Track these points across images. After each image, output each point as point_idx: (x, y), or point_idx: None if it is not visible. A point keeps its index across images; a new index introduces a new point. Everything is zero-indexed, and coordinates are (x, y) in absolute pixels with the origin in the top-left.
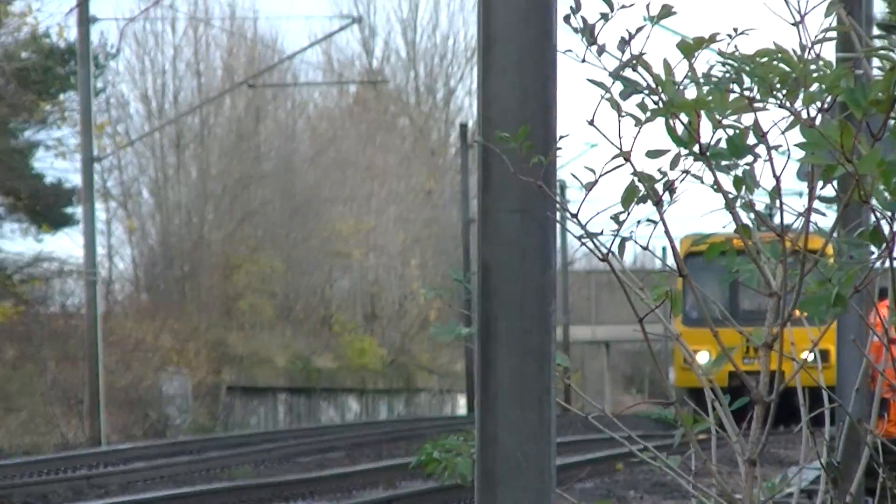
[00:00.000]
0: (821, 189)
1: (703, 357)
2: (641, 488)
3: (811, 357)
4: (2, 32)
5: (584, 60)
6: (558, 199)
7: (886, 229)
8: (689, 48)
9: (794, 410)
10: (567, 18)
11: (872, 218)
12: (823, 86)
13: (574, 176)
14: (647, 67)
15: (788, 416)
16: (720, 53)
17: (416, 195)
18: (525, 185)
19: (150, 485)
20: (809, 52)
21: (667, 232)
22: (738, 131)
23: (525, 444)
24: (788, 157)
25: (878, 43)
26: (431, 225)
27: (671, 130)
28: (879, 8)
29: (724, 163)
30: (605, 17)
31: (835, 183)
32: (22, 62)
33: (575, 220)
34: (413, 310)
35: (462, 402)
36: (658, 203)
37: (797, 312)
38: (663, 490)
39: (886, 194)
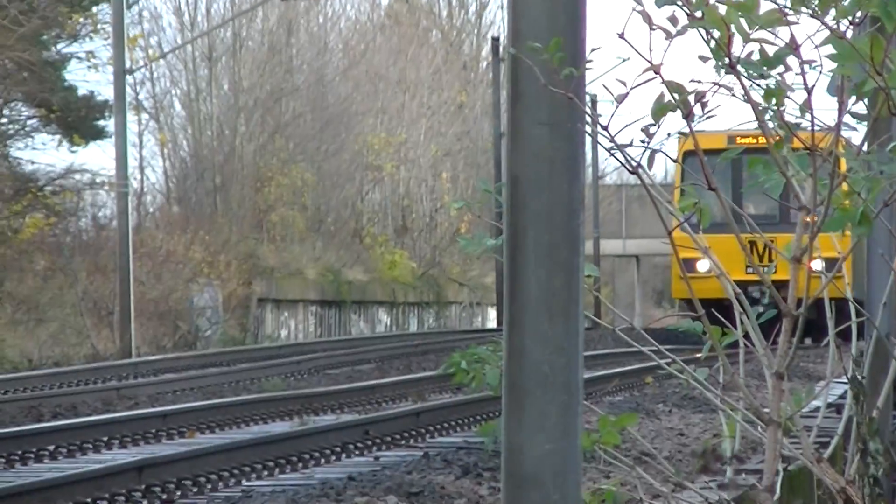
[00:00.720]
0: (852, 105)
1: (703, 265)
2: (670, 402)
3: (819, 265)
4: None
5: None
6: (588, 112)
7: None
8: None
9: (813, 322)
10: None
11: None
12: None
13: (605, 88)
14: None
15: (817, 329)
16: None
17: (448, 108)
18: (554, 98)
19: (180, 396)
20: None
21: (696, 146)
22: (778, 48)
23: (552, 355)
24: (820, 71)
25: None
26: (463, 138)
27: (710, 40)
28: None
29: (753, 75)
30: None
31: (865, 100)
32: None
33: (605, 132)
34: (444, 223)
35: (492, 315)
36: (688, 116)
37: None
38: (692, 404)
39: None
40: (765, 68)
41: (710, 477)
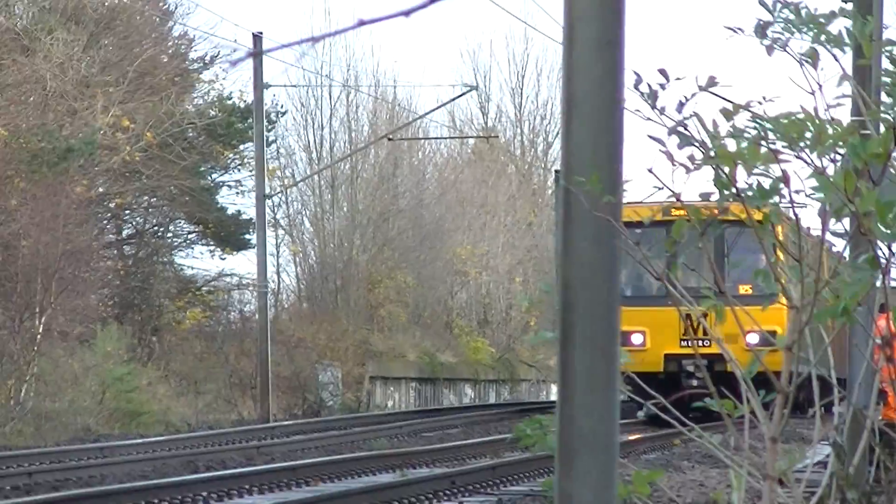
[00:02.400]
0: (834, 224)
1: (637, 339)
2: (694, 459)
3: (755, 339)
4: (195, 95)
5: (648, 119)
6: (625, 230)
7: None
8: (728, 113)
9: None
10: (636, 85)
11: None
12: (834, 141)
13: (636, 213)
14: (703, 123)
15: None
16: (753, 117)
17: (521, 226)
18: (598, 219)
19: (307, 453)
20: (825, 115)
21: (708, 258)
22: (772, 180)
23: (595, 423)
24: (807, 196)
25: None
26: (532, 250)
27: (719, 179)
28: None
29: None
30: (662, 86)
31: (847, 221)
32: (210, 119)
33: (637, 247)
34: (517, 317)
35: (555, 389)
36: (703, 234)
37: (743, 289)
38: (711, 461)
39: (882, 228)
40: (762, 200)
41: None
